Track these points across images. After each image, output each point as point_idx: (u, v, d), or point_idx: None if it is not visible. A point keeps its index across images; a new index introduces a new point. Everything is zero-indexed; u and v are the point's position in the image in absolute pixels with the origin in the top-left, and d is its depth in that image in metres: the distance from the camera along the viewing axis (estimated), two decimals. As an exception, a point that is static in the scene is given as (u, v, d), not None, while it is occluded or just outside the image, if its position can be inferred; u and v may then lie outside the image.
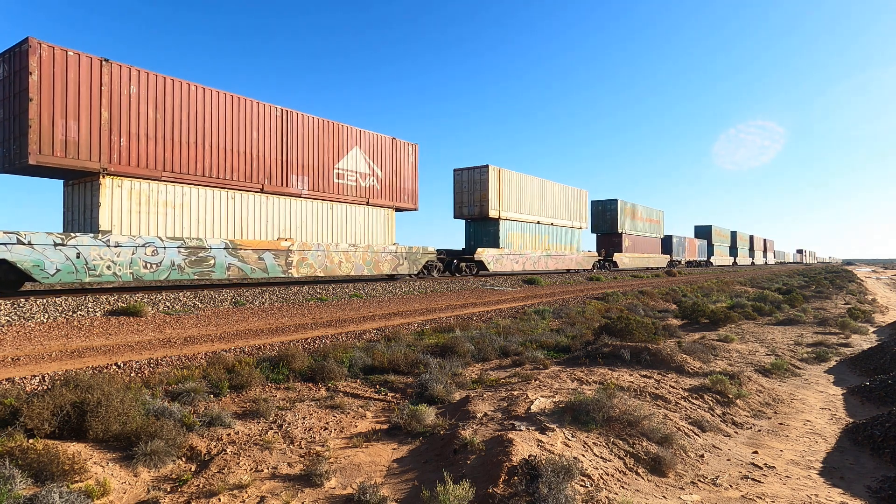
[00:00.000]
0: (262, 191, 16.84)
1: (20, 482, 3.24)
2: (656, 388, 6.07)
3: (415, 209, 22.69)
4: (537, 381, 6.14)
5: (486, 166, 27.22)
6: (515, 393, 5.53)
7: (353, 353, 7.43)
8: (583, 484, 3.54)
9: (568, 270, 36.02)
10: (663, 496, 3.67)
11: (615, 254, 41.34)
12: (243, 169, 16.34)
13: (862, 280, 39.33)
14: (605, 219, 42.68)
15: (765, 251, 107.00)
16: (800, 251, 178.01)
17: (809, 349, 10.12)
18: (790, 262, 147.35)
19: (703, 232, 71.60)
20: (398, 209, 22.36)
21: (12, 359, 6.82)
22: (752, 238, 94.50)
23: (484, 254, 26.45)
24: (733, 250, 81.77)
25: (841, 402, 6.66)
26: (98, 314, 10.63)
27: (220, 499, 3.43)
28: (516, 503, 3.16)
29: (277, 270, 16.59)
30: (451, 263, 25.71)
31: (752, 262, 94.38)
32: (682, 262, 57.97)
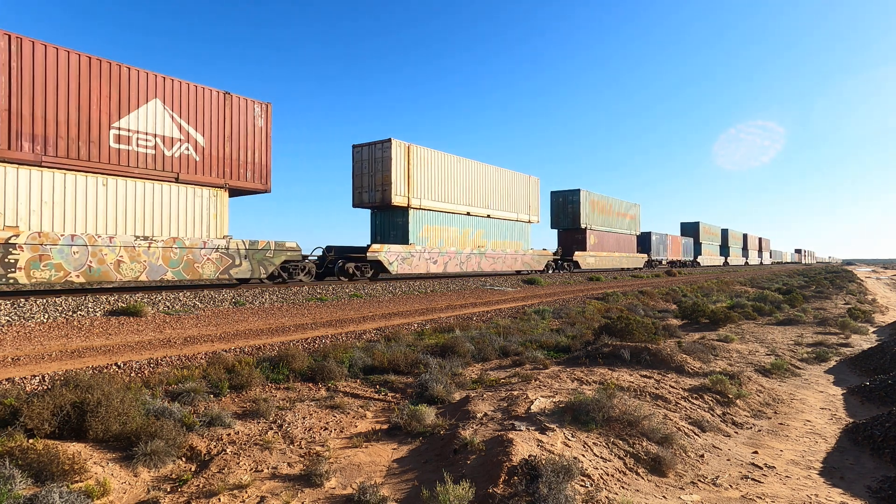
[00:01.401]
0: (-48, 153, 11.18)
1: (20, 482, 3.24)
2: (656, 388, 6.07)
3: (265, 191, 17.08)
4: (537, 381, 6.14)
5: (389, 140, 21.45)
6: (515, 393, 5.53)
7: (353, 353, 7.43)
8: (583, 484, 3.54)
9: (519, 272, 30.69)
10: (663, 496, 3.67)
11: (576, 252, 35.57)
12: None
13: (862, 280, 39.33)
14: (566, 212, 36.94)
15: (760, 250, 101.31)
16: (798, 251, 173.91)
17: (809, 349, 10.12)
18: (788, 263, 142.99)
19: (690, 229, 64.99)
20: (236, 191, 16.63)
21: (12, 359, 6.82)
22: (745, 236, 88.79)
23: (382, 252, 20.49)
24: (724, 249, 76.55)
25: (841, 402, 6.66)
26: (98, 314, 10.63)
27: (220, 499, 3.43)
28: (516, 503, 3.16)
29: None
30: (336, 264, 19.93)
31: (746, 262, 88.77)
32: (664, 262, 52.95)
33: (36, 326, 9.20)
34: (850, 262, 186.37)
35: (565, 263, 35.10)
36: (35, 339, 8.24)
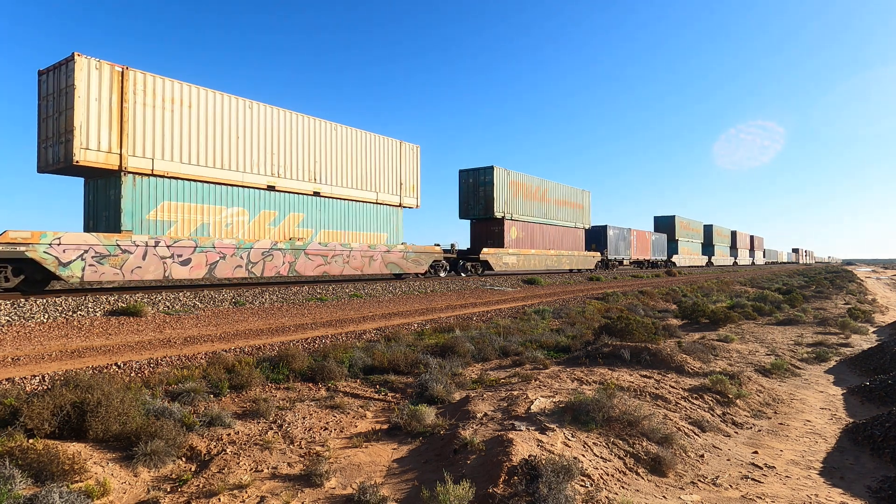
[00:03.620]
0: None
1: (20, 482, 3.24)
2: (656, 388, 6.07)
3: None
4: (537, 381, 6.14)
5: (73, 58, 12.69)
6: (515, 393, 5.53)
7: (353, 353, 7.43)
8: (583, 484, 3.54)
9: (400, 276, 22.15)
10: (663, 496, 3.67)
11: (486, 249, 26.51)
12: None
13: (862, 280, 39.33)
14: (477, 198, 28.01)
15: (752, 249, 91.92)
16: (795, 250, 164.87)
17: (809, 349, 10.11)
18: (785, 262, 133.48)
19: (664, 224, 55.31)
20: None
21: (12, 359, 6.82)
22: (734, 234, 79.15)
23: (41, 245, 11.69)
24: (707, 248, 67.98)
25: (841, 402, 6.66)
26: (98, 314, 10.63)
27: (220, 499, 3.43)
28: (516, 503, 3.16)
29: None
30: None
31: (735, 263, 79.72)
32: (626, 261, 44.88)
33: (36, 326, 9.20)
34: (849, 262, 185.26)
35: (469, 264, 26.42)
36: (35, 339, 8.24)
